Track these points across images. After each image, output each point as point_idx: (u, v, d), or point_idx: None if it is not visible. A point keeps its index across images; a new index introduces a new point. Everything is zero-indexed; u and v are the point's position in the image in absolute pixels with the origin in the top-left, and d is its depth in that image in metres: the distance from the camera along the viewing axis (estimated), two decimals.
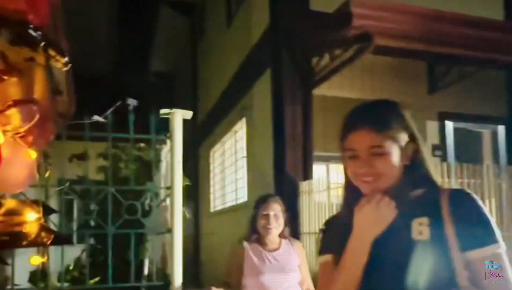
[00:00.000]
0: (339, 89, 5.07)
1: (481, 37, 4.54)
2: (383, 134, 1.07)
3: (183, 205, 2.74)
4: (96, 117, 3.27)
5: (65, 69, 0.82)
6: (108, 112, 2.96)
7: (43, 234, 1.27)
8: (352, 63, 4.36)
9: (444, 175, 3.75)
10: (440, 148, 5.39)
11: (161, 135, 2.92)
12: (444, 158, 5.33)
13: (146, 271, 2.62)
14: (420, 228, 1.04)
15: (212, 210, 7.83)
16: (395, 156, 1.07)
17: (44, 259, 2.45)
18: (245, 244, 2.47)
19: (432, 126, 5.48)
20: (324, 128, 4.89)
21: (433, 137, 5.46)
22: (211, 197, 7.90)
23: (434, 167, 1.15)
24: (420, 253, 1.02)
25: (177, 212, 2.64)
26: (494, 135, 5.80)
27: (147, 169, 3.51)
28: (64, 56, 0.83)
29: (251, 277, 2.39)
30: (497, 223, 3.22)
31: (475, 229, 1.03)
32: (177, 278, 2.46)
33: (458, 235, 1.02)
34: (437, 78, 5.42)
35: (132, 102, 3.21)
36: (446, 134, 5.48)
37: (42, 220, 1.30)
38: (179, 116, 2.76)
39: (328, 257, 1.19)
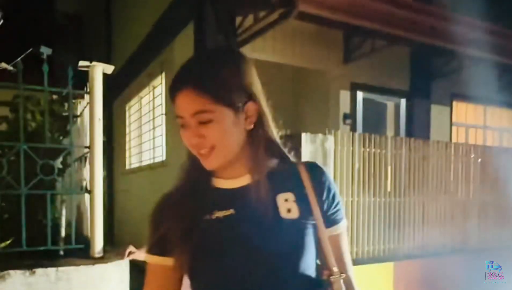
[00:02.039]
0: (262, 52, 5.13)
1: (393, 15, 4.86)
2: (210, 95, 0.85)
3: None
4: (3, 64, 2.96)
5: None
6: (18, 59, 2.69)
7: None
8: (275, 26, 4.41)
9: (354, 144, 4.08)
10: (350, 117, 5.78)
11: (80, 89, 2.74)
12: (353, 127, 5.75)
13: (63, 234, 2.52)
14: (288, 205, 0.90)
15: (127, 167, 7.60)
16: (229, 121, 0.87)
17: None
18: None
19: (344, 96, 5.81)
20: None
21: (345, 106, 5.82)
22: (127, 154, 7.64)
23: (277, 132, 0.97)
24: (291, 233, 0.89)
25: (97, 172, 2.56)
26: (397, 108, 6.37)
27: (60, 124, 3.28)
28: None
29: None
30: (395, 190, 3.64)
31: (335, 206, 0.96)
32: (98, 241, 2.41)
33: (322, 211, 0.93)
34: (351, 49, 5.71)
35: (45, 50, 2.95)
36: (356, 104, 5.87)
37: None
38: (99, 70, 2.60)
39: (159, 259, 0.96)
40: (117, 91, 8.00)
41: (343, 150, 3.96)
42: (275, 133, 0.97)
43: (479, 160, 5.21)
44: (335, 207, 0.96)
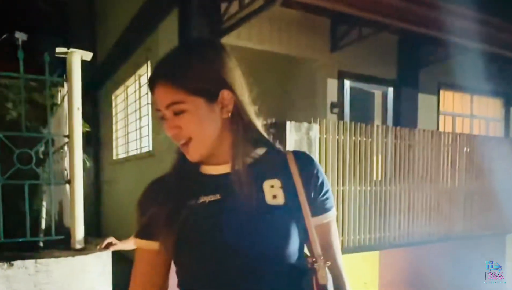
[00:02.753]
0: (248, 39, 5.07)
1: (380, 2, 4.83)
2: (181, 87, 0.88)
3: (83, 152, 2.59)
4: None
5: None
6: None
7: None
8: (260, 13, 4.35)
9: (341, 133, 4.06)
10: (337, 106, 5.76)
11: (58, 77, 2.66)
12: (341, 116, 5.73)
13: (43, 225, 2.47)
14: (274, 191, 0.91)
15: (114, 157, 7.51)
16: (203, 111, 0.89)
17: None
18: None
19: (332, 84, 5.79)
20: None
21: (332, 94, 5.80)
22: (114, 144, 7.55)
23: (259, 121, 0.98)
24: (276, 218, 0.90)
25: (77, 162, 2.50)
26: (384, 96, 6.37)
27: (40, 112, 3.21)
28: None
29: None
30: (382, 178, 3.62)
31: (322, 194, 0.96)
32: (79, 232, 2.37)
33: (309, 199, 0.93)
34: (338, 37, 5.68)
35: (21, 36, 2.85)
36: (344, 93, 5.85)
37: None
38: (77, 57, 2.52)
39: (146, 243, 0.97)
40: (103, 80, 7.88)
41: (328, 138, 3.94)
42: (257, 122, 0.97)
43: (465, 148, 5.24)
44: (323, 196, 0.96)
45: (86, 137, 3.02)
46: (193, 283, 0.93)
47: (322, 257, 0.92)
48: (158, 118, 0.94)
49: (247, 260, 0.87)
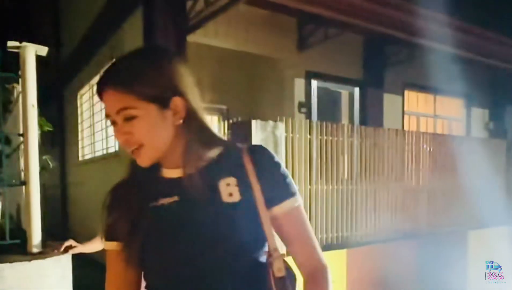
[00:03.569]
0: (214, 37, 5.03)
1: (344, 2, 4.88)
2: (132, 92, 0.88)
3: (46, 153, 2.50)
4: None
5: None
6: None
7: None
8: (226, 10, 4.32)
9: (307, 132, 4.08)
10: (305, 106, 5.79)
11: (10, 73, 2.55)
12: (308, 115, 5.76)
13: None
14: (229, 189, 0.92)
15: (80, 158, 7.30)
16: (154, 117, 0.89)
17: None
18: None
19: (299, 84, 5.81)
20: (197, 77, 4.84)
21: (300, 94, 5.82)
22: (80, 145, 7.34)
23: (211, 123, 1.00)
24: (233, 216, 0.91)
25: (32, 162, 2.39)
26: (351, 96, 6.45)
27: None
28: None
29: None
30: (348, 175, 3.63)
31: (277, 185, 0.95)
32: (36, 234, 2.27)
33: (264, 192, 0.93)
34: (305, 36, 5.71)
35: None
36: (311, 93, 5.88)
37: None
38: (31, 52, 2.40)
39: (113, 245, 0.98)
40: (68, 79, 7.66)
41: (295, 137, 3.95)
42: (211, 125, 0.98)
43: (429, 147, 5.36)
44: (278, 186, 0.96)
45: (51, 137, 2.91)
46: (157, 284, 0.95)
47: (277, 250, 0.92)
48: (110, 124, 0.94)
49: (207, 258, 0.89)
